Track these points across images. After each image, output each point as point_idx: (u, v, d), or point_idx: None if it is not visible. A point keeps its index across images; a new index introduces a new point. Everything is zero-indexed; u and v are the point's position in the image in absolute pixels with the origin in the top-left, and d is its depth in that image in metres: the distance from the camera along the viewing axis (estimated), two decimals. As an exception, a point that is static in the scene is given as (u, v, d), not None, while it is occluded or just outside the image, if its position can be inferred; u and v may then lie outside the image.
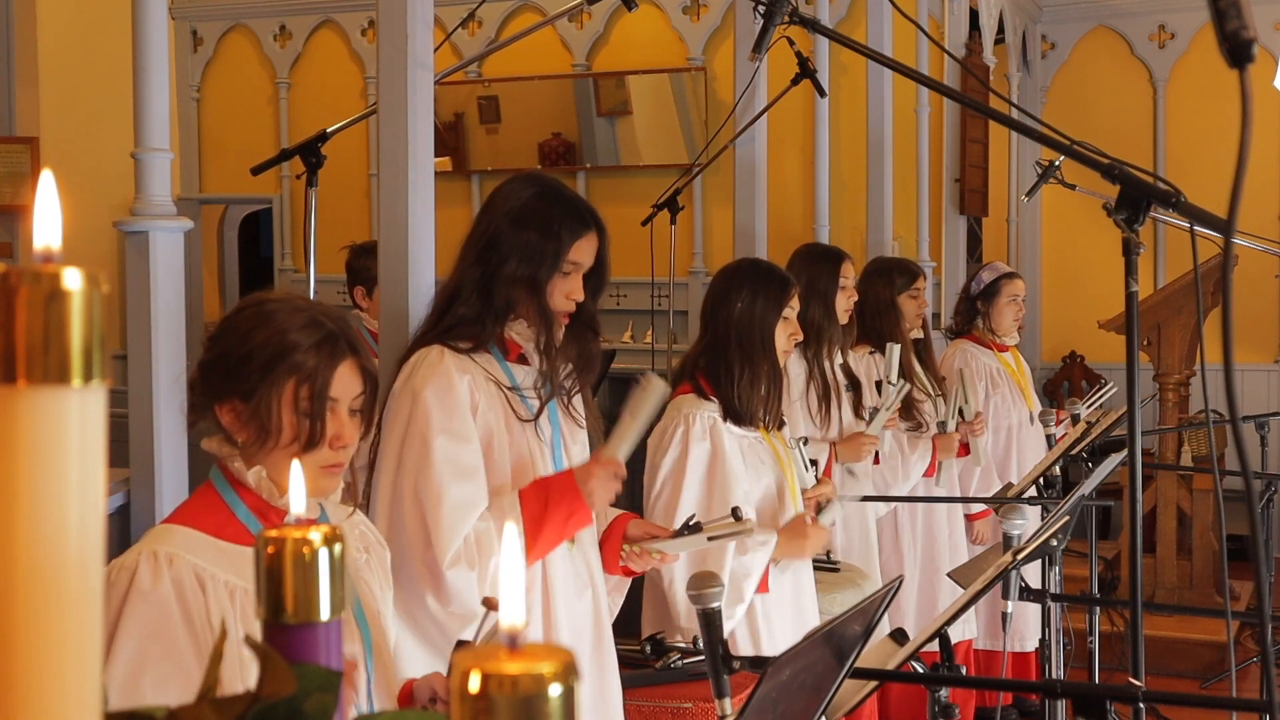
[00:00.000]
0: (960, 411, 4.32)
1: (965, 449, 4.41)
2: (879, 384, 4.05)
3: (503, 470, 2.36)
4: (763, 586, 3.02)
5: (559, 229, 2.34)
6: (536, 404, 2.40)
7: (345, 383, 1.74)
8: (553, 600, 2.39)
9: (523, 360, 2.41)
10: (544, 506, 2.31)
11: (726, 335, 3.08)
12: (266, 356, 1.70)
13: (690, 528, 2.47)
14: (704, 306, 3.18)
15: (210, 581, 1.65)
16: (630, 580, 2.60)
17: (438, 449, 2.27)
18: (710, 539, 2.44)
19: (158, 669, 1.59)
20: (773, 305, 3.08)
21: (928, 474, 4.31)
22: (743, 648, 3.03)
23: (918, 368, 4.38)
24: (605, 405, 4.50)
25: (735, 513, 2.52)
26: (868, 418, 3.95)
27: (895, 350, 3.98)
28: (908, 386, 4.10)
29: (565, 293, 2.36)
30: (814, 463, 3.38)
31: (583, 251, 2.37)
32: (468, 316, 2.34)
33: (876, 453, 4.05)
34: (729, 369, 3.05)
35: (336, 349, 1.73)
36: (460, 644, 1.82)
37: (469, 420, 2.30)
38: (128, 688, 1.56)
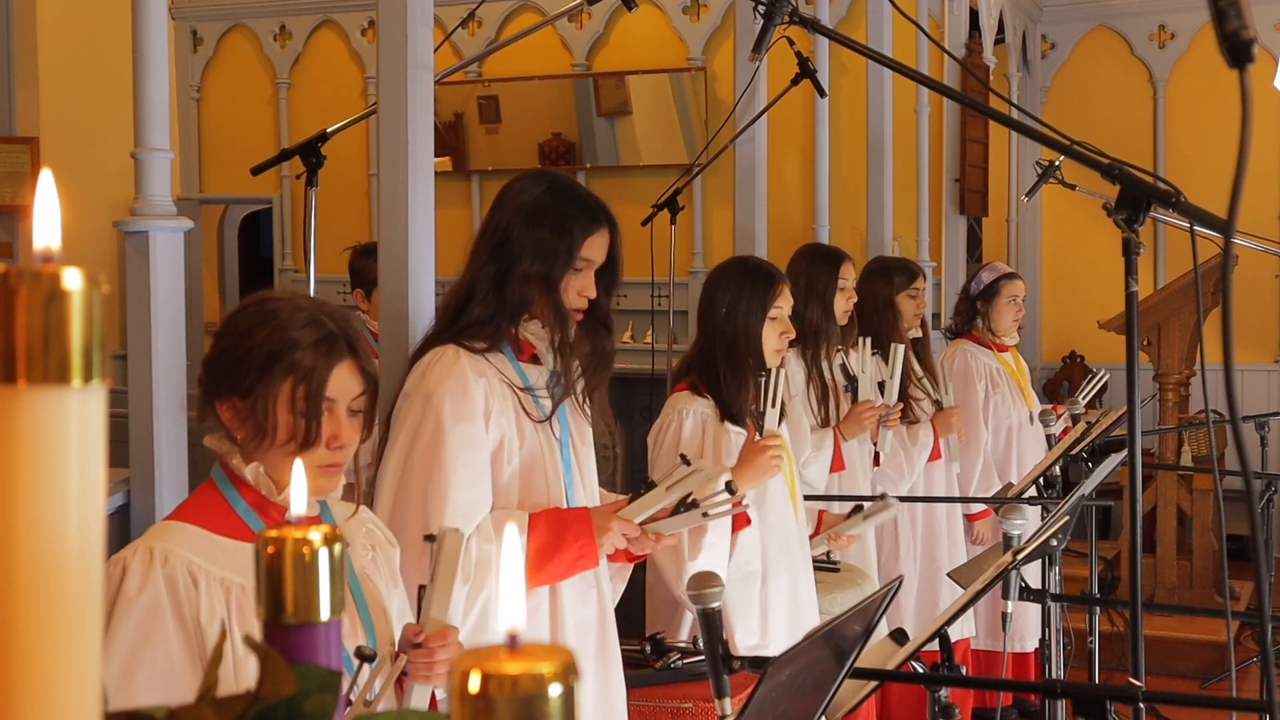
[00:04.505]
0: (938, 404, 4.36)
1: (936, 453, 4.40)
2: (881, 384, 4.05)
3: (513, 472, 2.34)
4: (742, 520, 2.90)
5: (571, 225, 2.33)
6: (548, 404, 2.38)
7: (343, 383, 1.73)
8: (559, 600, 2.38)
9: (535, 360, 2.40)
10: (557, 541, 2.29)
11: (714, 340, 3.08)
12: (265, 355, 1.70)
13: (647, 485, 2.43)
14: (698, 308, 3.19)
15: (204, 579, 1.66)
16: (631, 566, 2.57)
17: (448, 453, 2.25)
18: (705, 515, 2.42)
19: (150, 669, 1.59)
20: (757, 306, 3.07)
21: (933, 458, 4.32)
22: (751, 643, 3.01)
23: (916, 367, 4.38)
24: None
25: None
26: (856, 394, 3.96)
27: (899, 350, 4.00)
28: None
29: (578, 289, 2.34)
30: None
31: (595, 248, 2.36)
32: (483, 316, 2.33)
33: (878, 454, 4.04)
34: (717, 373, 3.06)
35: (335, 349, 1.73)
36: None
37: (480, 425, 2.28)
38: (121, 689, 1.57)
